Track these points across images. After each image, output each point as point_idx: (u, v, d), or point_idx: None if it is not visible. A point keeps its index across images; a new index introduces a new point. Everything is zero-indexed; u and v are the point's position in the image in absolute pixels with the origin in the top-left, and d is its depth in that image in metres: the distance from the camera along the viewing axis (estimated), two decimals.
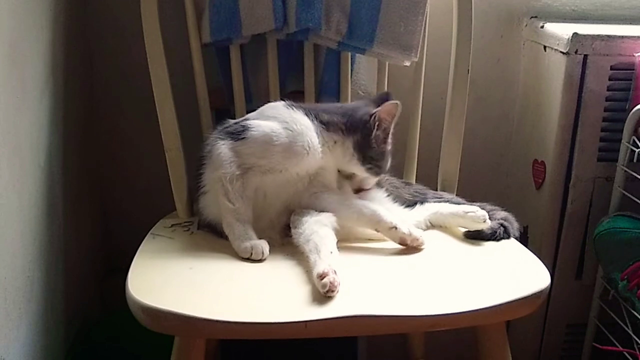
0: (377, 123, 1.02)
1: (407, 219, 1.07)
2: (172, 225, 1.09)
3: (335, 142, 1.02)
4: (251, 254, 0.97)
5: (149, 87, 1.12)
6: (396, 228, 0.99)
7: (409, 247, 1.00)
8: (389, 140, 1.05)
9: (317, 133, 1.01)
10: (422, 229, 1.08)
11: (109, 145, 1.37)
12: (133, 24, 1.13)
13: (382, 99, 1.06)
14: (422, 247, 1.00)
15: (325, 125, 1.02)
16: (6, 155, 0.94)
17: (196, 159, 1.05)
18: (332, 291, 0.85)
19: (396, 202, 1.10)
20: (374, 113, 1.02)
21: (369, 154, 1.02)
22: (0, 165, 0.92)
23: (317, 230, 0.96)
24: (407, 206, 1.11)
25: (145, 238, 1.04)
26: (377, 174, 1.06)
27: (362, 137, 1.02)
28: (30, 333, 1.02)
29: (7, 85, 0.95)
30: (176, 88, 1.13)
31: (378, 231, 1.01)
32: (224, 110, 1.24)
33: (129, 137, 1.37)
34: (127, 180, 1.40)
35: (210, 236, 1.04)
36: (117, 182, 1.40)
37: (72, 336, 1.21)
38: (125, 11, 1.27)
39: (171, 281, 0.91)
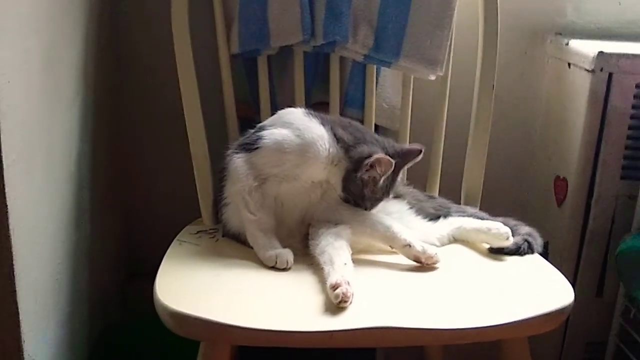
0: (367, 168, 1.00)
1: (430, 233, 1.08)
2: (197, 232, 1.11)
3: (337, 158, 1.02)
4: (276, 262, 0.98)
5: (176, 95, 1.14)
6: (410, 246, 0.99)
7: (424, 265, 0.99)
8: (376, 188, 1.02)
9: (329, 143, 1.02)
10: (444, 243, 1.09)
11: (136, 152, 1.39)
12: (163, 33, 1.15)
13: (410, 151, 1.05)
14: (437, 265, 0.99)
15: (337, 140, 1.03)
16: (40, 160, 0.96)
17: (217, 171, 1.07)
18: (345, 302, 0.85)
19: (419, 215, 1.11)
20: (371, 157, 0.99)
21: (349, 186, 1.02)
22: (35, 169, 0.94)
23: (333, 242, 0.97)
24: (430, 220, 1.11)
25: (172, 244, 1.06)
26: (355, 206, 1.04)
27: (352, 169, 1.01)
28: (58, 335, 1.04)
29: (44, 92, 0.97)
30: (204, 97, 1.15)
31: (392, 247, 1.01)
32: (250, 119, 1.26)
33: (154, 144, 1.38)
34: (152, 187, 1.41)
35: (235, 243, 1.06)
36: (142, 189, 1.41)
37: (94, 339, 1.23)
38: (155, 21, 1.29)
39: (198, 287, 0.92)
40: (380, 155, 1.00)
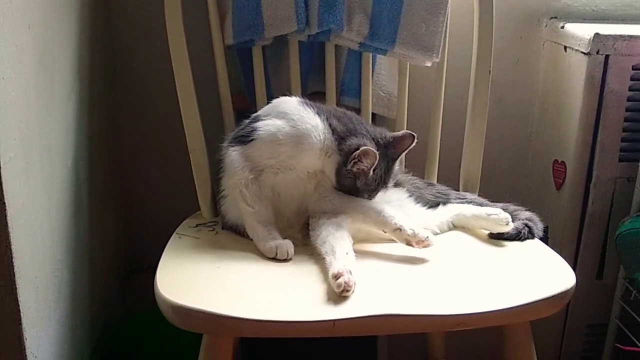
0: (354, 161, 1.00)
1: (429, 220, 1.08)
2: (197, 225, 1.10)
3: (331, 150, 1.02)
4: (276, 253, 0.98)
5: (172, 89, 1.13)
6: (400, 229, 0.98)
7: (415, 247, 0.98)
8: (369, 180, 1.02)
9: (324, 134, 1.01)
10: (444, 230, 1.09)
11: (132, 147, 1.38)
12: (157, 26, 1.14)
13: (402, 138, 1.04)
14: (430, 247, 0.97)
15: (332, 131, 1.02)
16: (37, 156, 0.96)
17: (215, 163, 1.07)
18: (347, 291, 0.85)
19: (418, 202, 1.11)
20: (357, 150, 0.99)
21: (343, 181, 1.02)
22: (33, 166, 0.94)
23: (334, 232, 0.98)
24: (430, 207, 1.11)
25: (171, 238, 1.05)
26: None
27: (342, 162, 1.01)
28: (59, 332, 1.04)
29: (39, 88, 0.97)
30: (199, 90, 1.14)
31: (385, 232, 1.01)
32: (246, 111, 1.25)
33: (151, 139, 1.38)
34: (149, 182, 1.41)
35: (234, 236, 1.06)
36: (140, 183, 1.41)
37: (95, 336, 1.23)
38: (149, 14, 1.28)
39: (199, 280, 0.92)
40: (365, 147, 0.99)
